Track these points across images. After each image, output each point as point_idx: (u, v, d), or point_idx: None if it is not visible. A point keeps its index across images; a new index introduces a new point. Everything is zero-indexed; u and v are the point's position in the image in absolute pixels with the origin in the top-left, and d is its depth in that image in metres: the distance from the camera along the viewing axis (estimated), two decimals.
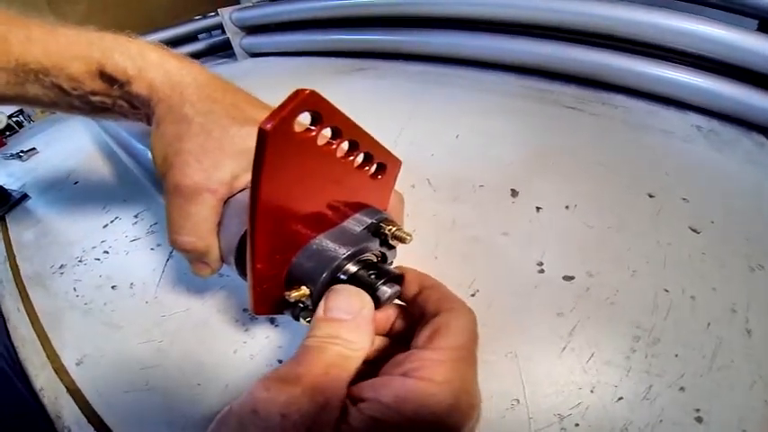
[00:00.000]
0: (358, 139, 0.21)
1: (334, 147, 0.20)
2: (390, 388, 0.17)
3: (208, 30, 1.03)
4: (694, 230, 0.34)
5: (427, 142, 0.47)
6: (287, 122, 0.16)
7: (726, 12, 0.48)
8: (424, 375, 0.17)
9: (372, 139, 0.22)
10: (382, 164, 0.24)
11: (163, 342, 0.32)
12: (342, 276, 0.21)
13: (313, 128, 0.18)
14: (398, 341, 0.23)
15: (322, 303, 0.20)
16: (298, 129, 0.17)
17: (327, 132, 0.19)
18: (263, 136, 0.16)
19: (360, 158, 0.22)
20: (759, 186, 0.40)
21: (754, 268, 0.31)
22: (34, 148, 0.71)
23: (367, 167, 0.23)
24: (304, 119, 0.17)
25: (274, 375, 0.17)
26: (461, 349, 0.18)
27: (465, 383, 0.17)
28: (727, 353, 0.26)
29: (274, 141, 0.16)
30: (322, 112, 0.17)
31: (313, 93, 0.16)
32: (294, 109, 0.16)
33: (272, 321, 0.32)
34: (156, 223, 0.44)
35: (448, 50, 0.66)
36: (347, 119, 0.19)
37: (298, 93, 0.16)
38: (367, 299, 0.20)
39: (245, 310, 0.32)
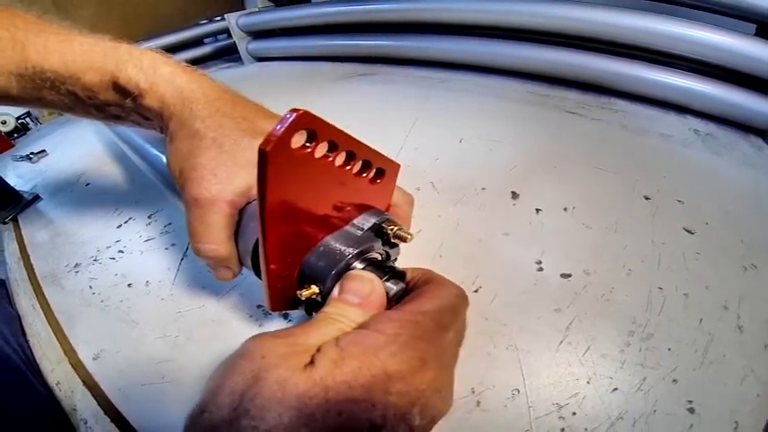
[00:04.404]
0: (354, 149, 0.22)
1: (331, 159, 0.21)
2: (347, 336, 0.19)
3: (214, 34, 1.04)
4: (689, 231, 0.35)
5: (432, 147, 0.49)
6: (283, 142, 0.17)
7: (724, 16, 0.48)
8: (377, 327, 0.19)
9: (368, 147, 0.23)
10: (381, 169, 0.25)
11: (179, 337, 0.33)
12: None
13: (309, 145, 0.19)
14: None
15: (338, 285, 0.22)
16: (295, 145, 0.18)
17: (325, 145, 0.20)
18: (263, 156, 0.17)
19: (358, 166, 0.23)
20: (755, 188, 0.40)
21: (747, 268, 0.32)
22: (44, 150, 0.72)
23: (366, 174, 0.24)
24: (302, 135, 0.18)
25: (270, 331, 0.20)
26: (421, 314, 0.20)
27: (415, 341, 0.18)
28: (719, 348, 0.27)
29: (274, 160, 0.17)
30: (316, 129, 0.18)
31: (306, 113, 0.17)
32: (288, 130, 0.17)
33: (285, 317, 0.33)
34: (169, 224, 0.45)
35: (451, 56, 0.67)
36: (341, 133, 0.20)
37: (292, 113, 0.17)
38: (378, 285, 0.22)
39: (259, 306, 0.33)
